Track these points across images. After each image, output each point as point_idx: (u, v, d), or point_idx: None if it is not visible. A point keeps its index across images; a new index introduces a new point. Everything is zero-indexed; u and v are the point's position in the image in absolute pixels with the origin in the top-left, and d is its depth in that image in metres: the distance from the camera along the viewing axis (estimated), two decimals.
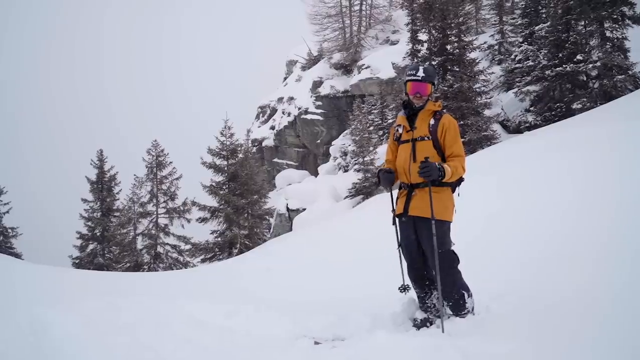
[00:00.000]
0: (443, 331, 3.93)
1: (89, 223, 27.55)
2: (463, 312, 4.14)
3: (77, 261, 26.88)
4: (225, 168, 24.77)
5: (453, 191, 4.26)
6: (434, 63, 23.33)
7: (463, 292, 4.13)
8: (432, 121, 4.23)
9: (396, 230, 4.43)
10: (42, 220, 49.00)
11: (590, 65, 19.59)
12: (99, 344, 3.59)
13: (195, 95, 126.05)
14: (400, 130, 4.38)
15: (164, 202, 26.77)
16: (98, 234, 27.47)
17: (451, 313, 4.19)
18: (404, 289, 4.49)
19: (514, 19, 27.99)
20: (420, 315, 4.34)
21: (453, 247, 4.20)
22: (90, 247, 27.52)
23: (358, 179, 21.56)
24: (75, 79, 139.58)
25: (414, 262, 4.30)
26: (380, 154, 21.35)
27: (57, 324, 3.69)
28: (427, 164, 3.93)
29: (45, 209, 56.61)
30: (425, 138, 4.19)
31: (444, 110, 4.35)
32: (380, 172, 4.41)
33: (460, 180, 4.27)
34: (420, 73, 4.26)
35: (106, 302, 4.72)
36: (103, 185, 28.40)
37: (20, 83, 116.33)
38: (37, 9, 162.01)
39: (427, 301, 4.33)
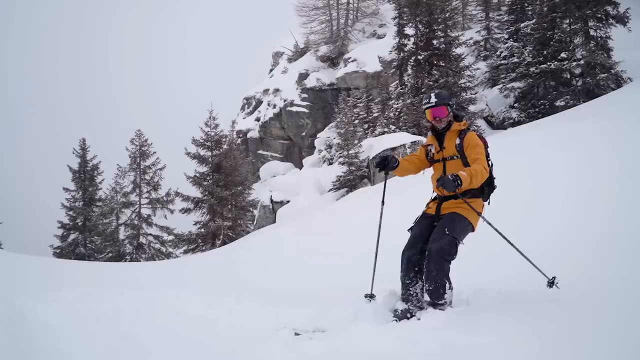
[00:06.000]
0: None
1: (71, 212, 27.19)
2: (441, 302, 4.18)
3: (58, 251, 26.51)
4: (210, 159, 24.67)
5: (485, 199, 4.50)
6: (419, 58, 23.44)
7: (446, 280, 4.19)
8: (457, 140, 4.46)
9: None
10: (22, 209, 48.30)
11: (574, 63, 19.84)
12: (79, 334, 3.56)
13: (180, 86, 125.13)
14: (433, 150, 4.62)
15: (147, 192, 26.64)
16: (80, 223, 27.13)
17: (429, 299, 4.23)
18: (370, 296, 4.68)
19: (500, 15, 28.19)
20: (401, 306, 4.39)
21: (460, 245, 4.30)
22: (72, 236, 27.18)
23: (342, 172, 21.57)
24: (70, 72, 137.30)
25: (416, 241, 4.43)
26: (365, 147, 21.37)
27: (36, 313, 3.65)
28: (441, 180, 4.09)
29: (26, 197, 55.81)
30: (454, 157, 4.47)
31: (470, 128, 4.57)
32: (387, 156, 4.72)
33: (492, 188, 4.51)
34: (433, 99, 4.51)
35: (86, 291, 4.69)
36: (85, 175, 28.05)
37: (19, 76, 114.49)
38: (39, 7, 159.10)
39: (410, 289, 4.38)
